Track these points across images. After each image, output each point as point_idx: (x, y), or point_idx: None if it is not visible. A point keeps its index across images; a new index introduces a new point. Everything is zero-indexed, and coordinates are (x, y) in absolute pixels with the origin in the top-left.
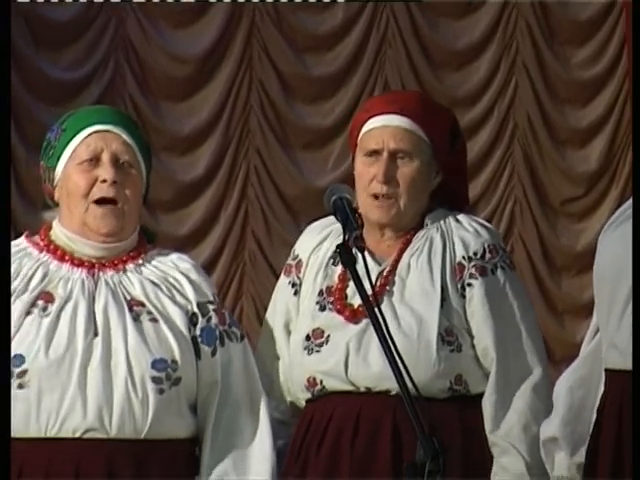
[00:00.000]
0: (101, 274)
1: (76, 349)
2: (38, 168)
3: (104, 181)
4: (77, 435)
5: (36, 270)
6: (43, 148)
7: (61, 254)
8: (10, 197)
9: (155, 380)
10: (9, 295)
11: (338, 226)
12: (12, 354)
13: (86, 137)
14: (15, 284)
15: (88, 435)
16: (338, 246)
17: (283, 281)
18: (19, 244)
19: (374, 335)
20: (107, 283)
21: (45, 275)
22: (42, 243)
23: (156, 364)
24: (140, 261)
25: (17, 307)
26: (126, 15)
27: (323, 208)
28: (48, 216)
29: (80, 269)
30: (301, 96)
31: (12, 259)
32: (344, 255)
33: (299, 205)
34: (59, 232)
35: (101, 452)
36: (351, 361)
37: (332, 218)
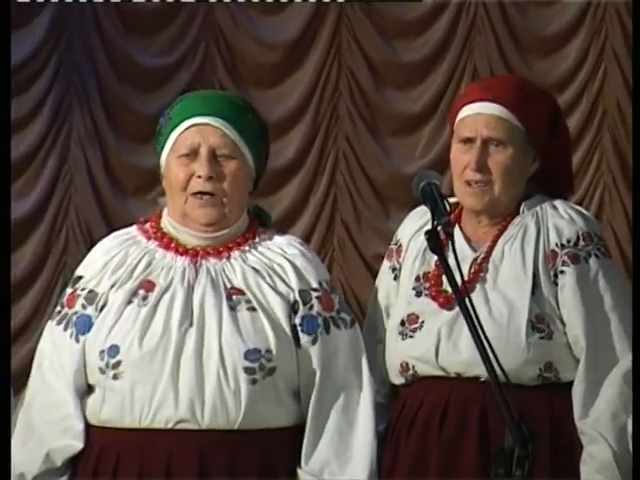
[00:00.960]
0: (204, 262)
1: (170, 340)
2: (129, 155)
3: (200, 177)
4: (169, 426)
5: (141, 259)
6: (156, 133)
7: (167, 242)
8: (10, 197)
9: (247, 370)
10: (9, 294)
11: None
12: (109, 344)
13: (185, 130)
14: (119, 273)
15: (180, 426)
16: (426, 232)
17: (385, 265)
18: (129, 232)
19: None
20: (208, 271)
21: (149, 264)
22: (151, 230)
23: (249, 354)
24: (247, 247)
25: (119, 296)
26: (215, 1)
27: (411, 194)
28: (162, 202)
29: (183, 257)
30: (390, 82)
31: (119, 248)
32: (432, 241)
33: (387, 191)
34: (166, 220)
35: (193, 443)
36: (442, 347)
37: None
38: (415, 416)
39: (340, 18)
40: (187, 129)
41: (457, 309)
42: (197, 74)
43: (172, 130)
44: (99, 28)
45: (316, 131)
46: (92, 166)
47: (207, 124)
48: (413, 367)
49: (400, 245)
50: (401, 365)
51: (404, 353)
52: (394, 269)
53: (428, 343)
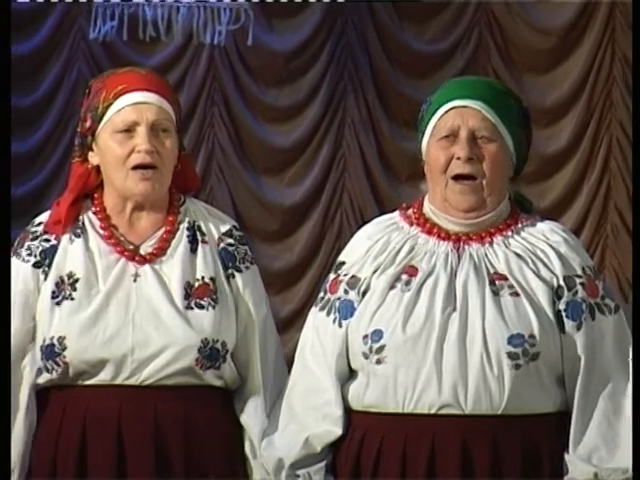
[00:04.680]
0: (466, 247)
1: (433, 324)
2: (402, 141)
3: (458, 158)
4: (432, 411)
5: (404, 244)
6: (417, 120)
7: (430, 227)
8: (10, 193)
9: (511, 356)
10: (9, 293)
11: None
12: (372, 329)
13: (444, 113)
14: (382, 258)
15: (443, 411)
16: None
17: None
18: (392, 218)
19: None
20: (471, 256)
21: (412, 249)
22: (414, 216)
23: (513, 339)
24: (509, 233)
25: (382, 281)
26: None
27: None
28: (424, 188)
29: (446, 242)
30: None
31: (382, 233)
32: None
33: None
34: (427, 206)
35: (456, 428)
36: None
37: None
38: None
39: (614, 4)
40: (446, 112)
41: None
42: (471, 60)
43: (432, 115)
44: (373, 15)
45: (589, 117)
46: (366, 152)
47: (466, 106)
48: None
49: None
50: None
51: None
52: None
53: None
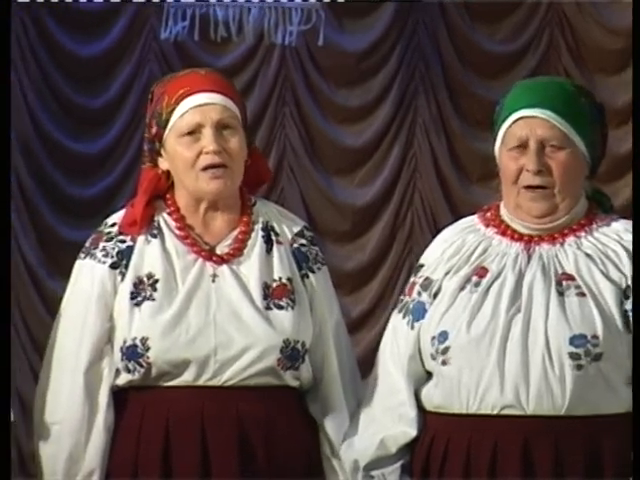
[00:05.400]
0: (537, 248)
1: (497, 325)
2: (473, 142)
3: (528, 170)
4: (495, 412)
5: (478, 245)
6: (493, 122)
7: (504, 229)
8: (10, 193)
9: (573, 356)
10: (9, 294)
11: None
12: (439, 330)
13: (514, 122)
14: (454, 260)
15: (505, 412)
16: None
17: None
18: (470, 220)
19: None
20: (540, 257)
21: (485, 250)
22: (490, 218)
23: (575, 340)
24: (582, 234)
25: (453, 282)
26: None
27: None
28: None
29: (517, 243)
30: None
31: (458, 236)
32: None
33: None
34: (502, 208)
35: (518, 429)
36: None
37: None
38: None
39: None
40: (515, 122)
41: None
42: (542, 60)
43: (503, 122)
44: (444, 15)
45: None
46: (437, 152)
47: (535, 117)
48: None
49: None
50: None
51: None
52: None
53: None
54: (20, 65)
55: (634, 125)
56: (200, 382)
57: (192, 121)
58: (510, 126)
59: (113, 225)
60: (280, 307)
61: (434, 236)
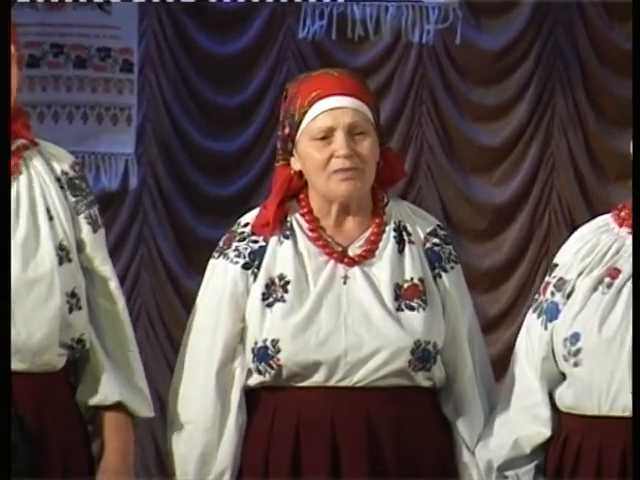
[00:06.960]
0: None
1: (628, 327)
2: (611, 140)
3: None
4: (627, 414)
5: (611, 246)
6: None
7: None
8: (10, 193)
9: None
10: (9, 294)
11: None
12: (571, 332)
13: None
14: (588, 260)
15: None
16: None
17: None
18: (604, 219)
19: None
20: None
21: (618, 250)
22: (624, 217)
23: None
24: None
25: (586, 283)
26: None
27: None
28: None
29: None
30: None
31: (592, 235)
32: None
33: None
34: None
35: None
36: None
37: None
38: None
39: None
40: None
41: None
42: None
43: None
44: (582, 14)
45: None
46: (574, 151)
47: None
48: None
49: None
50: None
51: None
52: None
53: None
54: (159, 65)
55: (634, 125)
56: (331, 383)
57: (324, 125)
58: None
59: (246, 225)
60: (411, 308)
61: (571, 234)
